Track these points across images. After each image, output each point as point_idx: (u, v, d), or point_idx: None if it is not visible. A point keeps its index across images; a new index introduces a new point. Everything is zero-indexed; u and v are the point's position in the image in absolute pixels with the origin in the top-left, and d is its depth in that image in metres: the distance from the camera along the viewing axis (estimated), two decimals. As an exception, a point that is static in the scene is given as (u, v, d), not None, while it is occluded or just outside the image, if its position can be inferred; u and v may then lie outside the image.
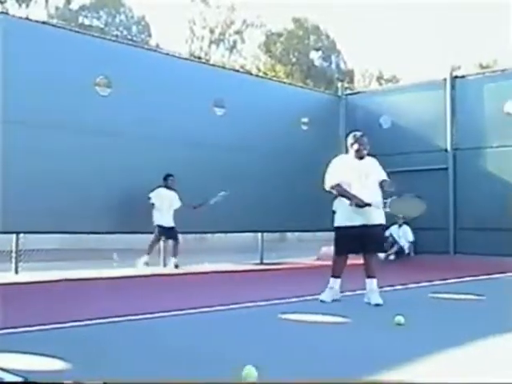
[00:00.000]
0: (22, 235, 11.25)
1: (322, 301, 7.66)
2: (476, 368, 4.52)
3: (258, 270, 13.53)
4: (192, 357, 4.74)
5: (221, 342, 5.37)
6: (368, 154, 7.92)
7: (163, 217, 12.45)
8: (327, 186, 7.86)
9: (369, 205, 7.56)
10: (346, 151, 8.22)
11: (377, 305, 7.47)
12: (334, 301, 7.70)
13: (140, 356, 4.77)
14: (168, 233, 12.63)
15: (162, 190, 12.45)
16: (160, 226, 12.45)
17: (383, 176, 7.86)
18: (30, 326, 5.74)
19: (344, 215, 7.76)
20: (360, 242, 7.63)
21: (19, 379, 4.01)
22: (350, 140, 7.95)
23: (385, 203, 7.69)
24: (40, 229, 11.24)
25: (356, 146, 7.84)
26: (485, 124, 14.60)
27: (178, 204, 12.53)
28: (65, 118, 11.34)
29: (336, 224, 7.91)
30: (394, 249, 14.83)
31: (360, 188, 7.66)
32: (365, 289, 7.77)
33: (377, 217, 7.75)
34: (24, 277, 10.67)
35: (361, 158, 7.86)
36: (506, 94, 14.24)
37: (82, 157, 11.56)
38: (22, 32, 10.87)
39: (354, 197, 7.59)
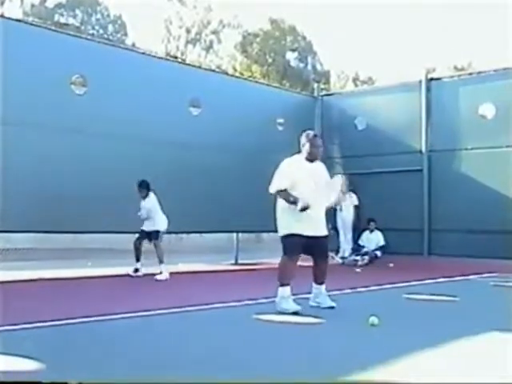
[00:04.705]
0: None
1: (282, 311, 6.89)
2: (450, 369, 4.53)
3: (232, 271, 13.50)
4: (167, 357, 4.70)
5: (192, 342, 5.34)
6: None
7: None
8: (272, 190, 7.15)
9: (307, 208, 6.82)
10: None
11: (331, 307, 7.15)
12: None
13: (117, 356, 4.75)
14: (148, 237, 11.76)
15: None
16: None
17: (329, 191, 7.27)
18: (4, 325, 5.67)
19: (291, 224, 7.00)
20: (309, 249, 7.09)
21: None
22: (303, 140, 7.23)
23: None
24: (13, 228, 11.10)
25: (308, 147, 7.16)
26: (459, 126, 14.69)
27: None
28: (41, 116, 11.24)
29: (284, 232, 7.09)
30: (366, 260, 14.76)
31: (309, 192, 6.96)
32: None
33: (323, 229, 7.19)
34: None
35: (312, 160, 7.21)
36: (481, 96, 14.34)
37: (60, 156, 11.47)
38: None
39: (298, 200, 6.85)
